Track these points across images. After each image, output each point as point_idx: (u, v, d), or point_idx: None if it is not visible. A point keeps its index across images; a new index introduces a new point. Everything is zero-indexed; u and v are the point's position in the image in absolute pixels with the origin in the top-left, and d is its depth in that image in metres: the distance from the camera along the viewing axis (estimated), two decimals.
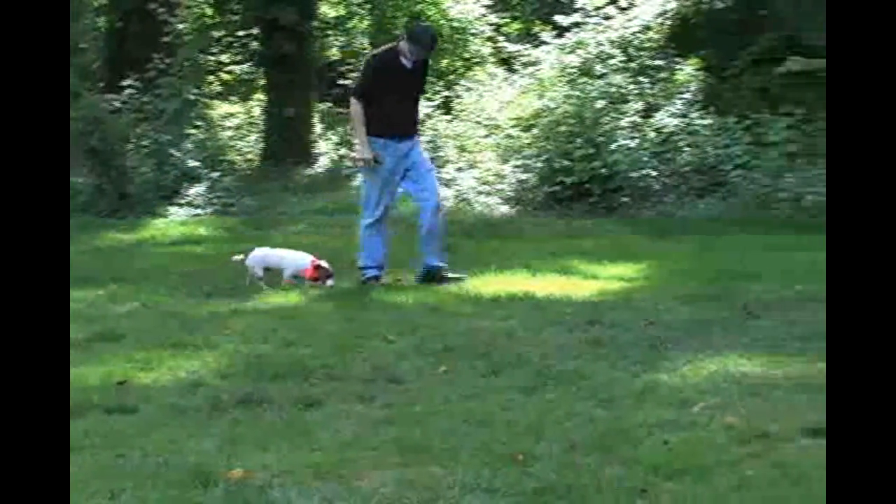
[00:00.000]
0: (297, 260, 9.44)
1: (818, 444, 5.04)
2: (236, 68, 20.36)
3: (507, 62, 18.90)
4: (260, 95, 19.30)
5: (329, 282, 9.26)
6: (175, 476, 4.67)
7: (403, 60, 9.35)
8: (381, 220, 9.59)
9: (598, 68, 16.47)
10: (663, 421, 5.41)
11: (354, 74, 20.60)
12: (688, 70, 16.43)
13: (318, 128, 18.32)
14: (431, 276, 9.46)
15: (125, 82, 16.13)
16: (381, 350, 6.99)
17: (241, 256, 9.47)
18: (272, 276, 9.40)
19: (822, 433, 5.16)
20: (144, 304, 8.60)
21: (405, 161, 9.48)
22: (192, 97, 17.43)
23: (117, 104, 15.74)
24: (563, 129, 15.27)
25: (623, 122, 15.32)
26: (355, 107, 9.43)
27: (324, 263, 9.30)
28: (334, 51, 20.91)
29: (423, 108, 16.95)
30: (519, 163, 15.44)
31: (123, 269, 10.36)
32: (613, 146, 14.80)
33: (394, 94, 9.33)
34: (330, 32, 20.54)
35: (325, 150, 17.78)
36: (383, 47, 9.95)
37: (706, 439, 5.13)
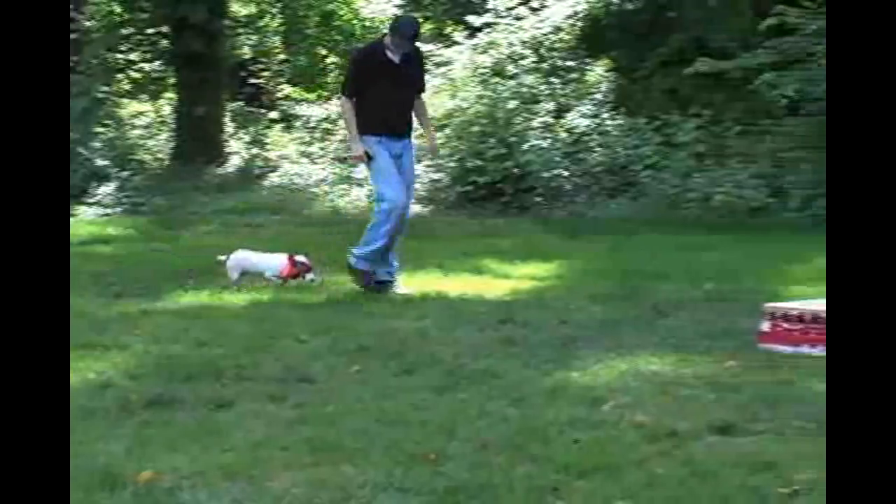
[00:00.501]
0: (273, 261, 9.30)
1: (726, 442, 5.12)
2: (146, 66, 20.14)
3: None
4: (170, 94, 19.12)
5: (308, 276, 9.16)
6: (82, 479, 4.60)
7: (390, 54, 8.99)
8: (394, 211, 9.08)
9: (510, 69, 16.54)
10: (574, 419, 5.45)
11: (266, 73, 20.59)
12: (598, 71, 16.56)
13: (230, 127, 18.19)
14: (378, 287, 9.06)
15: None
16: (293, 350, 6.96)
17: (224, 257, 9.33)
18: (250, 278, 9.29)
19: (730, 431, 5.25)
20: None
21: (398, 162, 9.19)
22: (101, 95, 17.21)
23: None
24: (475, 129, 15.31)
25: (535, 123, 15.41)
26: (343, 104, 9.17)
27: (301, 258, 9.21)
28: (246, 50, 20.78)
29: (335, 106, 17.00)
30: (432, 162, 15.45)
31: None
32: (526, 146, 14.88)
33: (383, 90, 8.93)
34: (241, 31, 20.40)
35: (237, 149, 17.67)
36: (367, 43, 9.84)
37: (616, 437, 5.17)
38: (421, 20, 20.42)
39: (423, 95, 9.39)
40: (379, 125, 9.00)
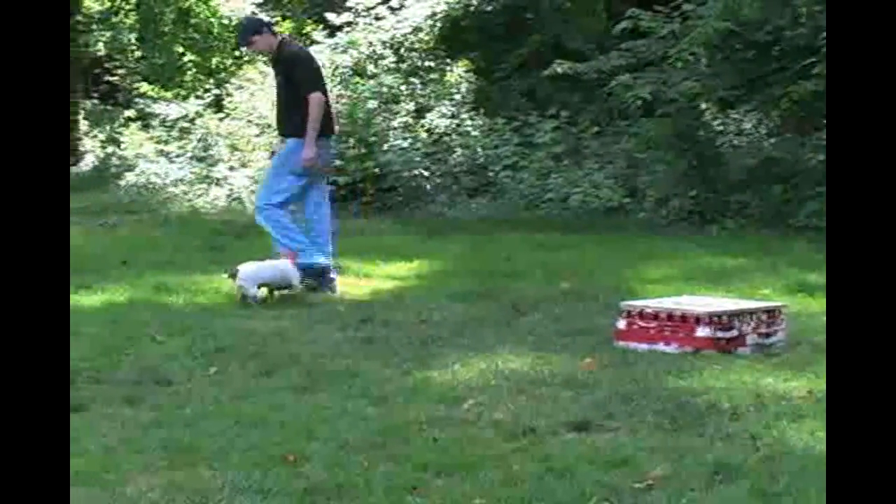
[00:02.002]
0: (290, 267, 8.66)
1: (582, 439, 5.20)
2: None
3: None
4: None
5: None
6: None
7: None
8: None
9: (370, 68, 16.52)
10: (434, 418, 5.48)
11: (121, 71, 20.24)
12: (458, 72, 16.63)
13: (84, 125, 17.85)
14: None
15: None
16: (149, 351, 6.87)
17: (230, 273, 8.50)
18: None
19: (586, 428, 5.33)
20: None
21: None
22: None
23: None
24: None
25: (395, 123, 15.41)
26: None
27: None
28: (100, 46, 20.40)
29: (193, 105, 16.84)
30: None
31: None
32: (386, 146, 14.88)
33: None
34: (94, 27, 20.03)
35: (91, 147, 17.35)
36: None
37: (475, 436, 5.22)
38: (279, 18, 20.38)
39: (311, 96, 8.89)
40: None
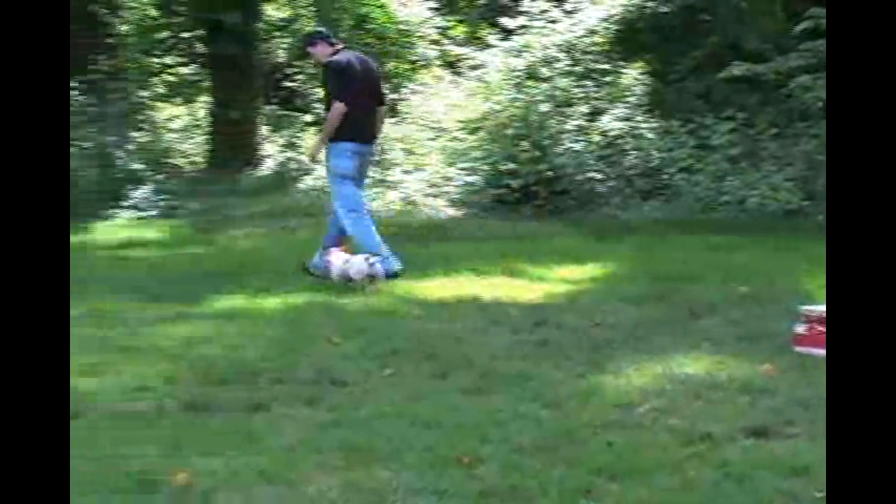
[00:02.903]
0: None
1: (760, 446, 5.10)
2: (181, 70, 20.23)
3: (453, 65, 18.92)
4: (205, 97, 19.20)
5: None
6: (118, 482, 4.64)
7: None
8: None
9: (544, 71, 16.52)
10: (608, 422, 5.45)
11: (301, 77, 20.63)
12: (632, 74, 16.51)
13: (264, 130, 18.25)
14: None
15: None
16: (326, 353, 6.98)
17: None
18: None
19: (765, 434, 5.24)
20: (89, 307, 8.53)
21: None
22: (136, 99, 17.31)
23: None
24: (509, 132, 15.30)
25: (569, 126, 15.38)
26: None
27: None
28: (280, 53, 20.83)
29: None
30: (465, 165, 15.45)
31: None
32: (559, 149, 14.85)
33: None
34: (276, 34, 20.46)
35: (271, 152, 17.72)
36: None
37: (650, 440, 5.17)
38: (455, 22, 20.52)
39: (334, 105, 9.67)
40: None
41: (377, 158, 13.70)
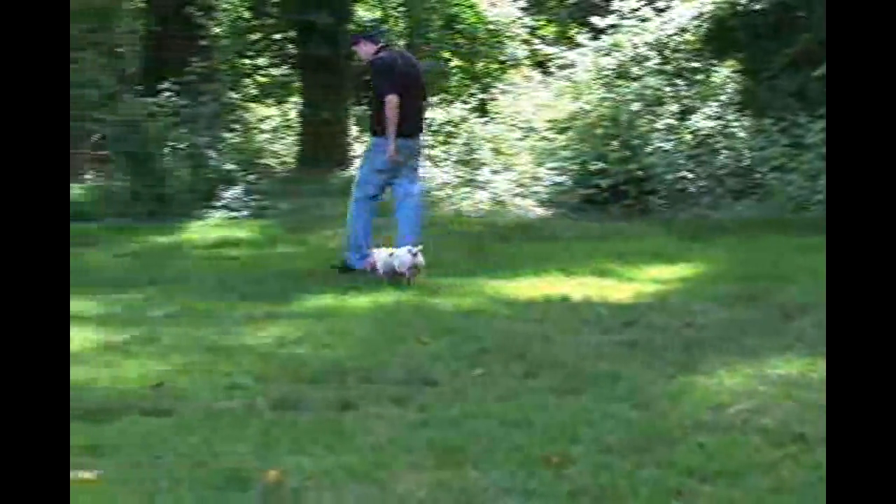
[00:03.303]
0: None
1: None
2: (273, 71, 20.41)
3: (542, 65, 18.89)
4: (296, 98, 19.35)
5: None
6: (210, 478, 4.69)
7: None
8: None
9: (634, 70, 16.43)
10: (699, 423, 5.40)
11: None
12: (724, 72, 16.36)
13: (354, 130, 18.35)
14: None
15: (162, 85, 16.19)
16: (415, 352, 6.99)
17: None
18: None
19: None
20: (181, 306, 8.64)
21: None
22: (229, 100, 17.49)
23: (154, 107, 15.80)
24: (598, 131, 15.24)
25: (659, 125, 15.28)
26: None
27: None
28: None
29: (457, 109, 17.08)
30: (554, 165, 15.42)
31: (160, 272, 10.42)
32: (649, 148, 14.76)
33: None
34: None
35: (361, 152, 17.80)
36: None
37: (742, 442, 5.11)
38: (544, 22, 20.47)
39: (386, 98, 9.95)
40: None
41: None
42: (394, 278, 9.45)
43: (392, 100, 9.80)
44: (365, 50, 10.22)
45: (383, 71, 10.01)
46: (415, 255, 9.45)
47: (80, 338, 7.35)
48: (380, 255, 9.63)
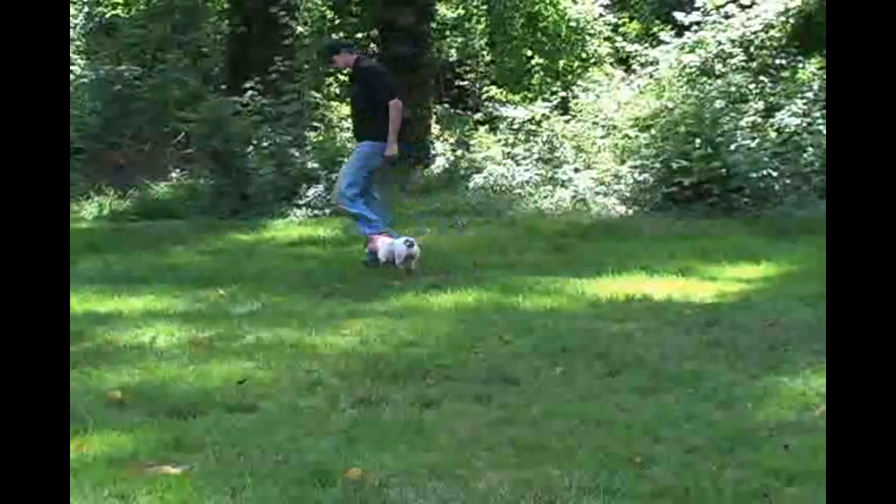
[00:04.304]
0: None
1: None
2: None
3: (624, 62, 18.79)
4: None
5: None
6: (294, 474, 4.73)
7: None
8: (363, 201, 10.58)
9: (718, 68, 16.29)
10: (784, 424, 5.35)
11: (471, 76, 20.76)
12: (810, 69, 16.16)
13: (435, 129, 18.38)
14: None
15: (246, 85, 16.33)
16: (497, 350, 7.00)
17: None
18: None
19: None
20: (264, 304, 8.72)
21: None
22: (312, 99, 17.60)
23: (239, 106, 15.94)
24: (681, 129, 15.11)
25: (743, 122, 15.11)
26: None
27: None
28: (452, 52, 20.96)
29: (539, 107, 17.04)
30: (636, 163, 15.31)
31: (244, 270, 10.51)
32: (733, 146, 14.61)
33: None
34: (448, 34, 20.59)
35: (442, 151, 17.84)
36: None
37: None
38: (626, 19, 20.35)
39: (392, 103, 10.37)
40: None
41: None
42: (395, 265, 9.82)
43: (399, 103, 10.30)
44: (345, 60, 10.71)
45: (382, 76, 10.66)
46: (410, 245, 9.83)
47: (166, 334, 7.44)
48: (383, 242, 9.98)
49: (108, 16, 21.99)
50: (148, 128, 18.53)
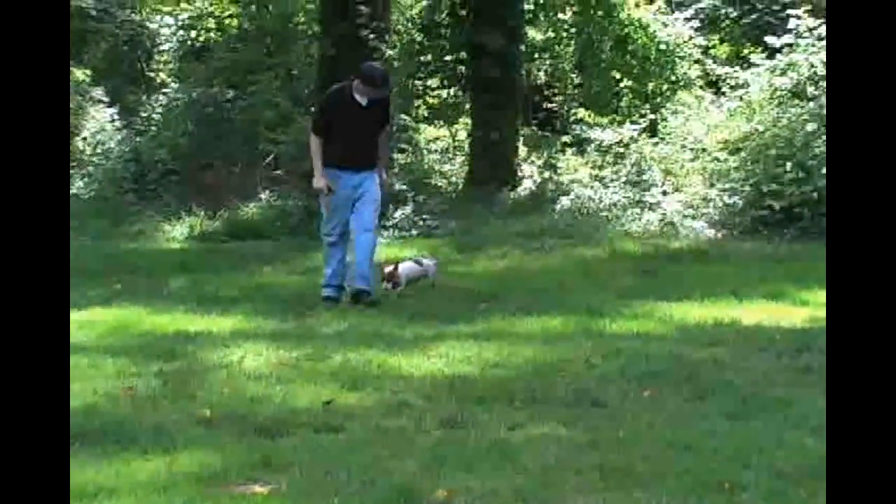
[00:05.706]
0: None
1: None
2: (443, 93, 20.59)
3: (714, 85, 18.65)
4: (466, 119, 19.48)
5: (385, 284, 10.01)
6: (380, 495, 4.74)
7: (357, 97, 9.70)
8: (338, 242, 9.98)
9: (811, 90, 16.11)
10: None
11: (559, 98, 20.74)
12: None
13: (523, 151, 18.38)
14: (357, 299, 9.75)
15: None
16: (583, 373, 6.96)
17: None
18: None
19: None
20: (351, 325, 8.76)
21: (358, 191, 9.78)
22: (400, 121, 17.69)
23: None
24: (772, 152, 14.96)
25: None
26: (311, 140, 9.84)
27: (390, 267, 10.13)
28: (540, 75, 20.96)
29: (628, 130, 16.98)
30: (726, 186, 15.19)
31: None
32: (825, 170, 14.43)
33: (347, 129, 9.69)
34: (536, 57, 20.60)
35: (529, 173, 17.84)
36: (336, 85, 10.20)
37: None
38: (717, 41, 20.20)
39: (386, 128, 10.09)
40: (338, 160, 9.72)
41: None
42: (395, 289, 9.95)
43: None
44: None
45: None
46: (420, 263, 10.32)
47: (254, 354, 7.51)
48: (404, 267, 10.19)
49: (201, 39, 22.32)
50: (239, 149, 18.74)
